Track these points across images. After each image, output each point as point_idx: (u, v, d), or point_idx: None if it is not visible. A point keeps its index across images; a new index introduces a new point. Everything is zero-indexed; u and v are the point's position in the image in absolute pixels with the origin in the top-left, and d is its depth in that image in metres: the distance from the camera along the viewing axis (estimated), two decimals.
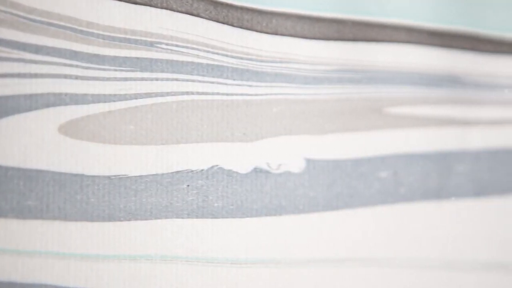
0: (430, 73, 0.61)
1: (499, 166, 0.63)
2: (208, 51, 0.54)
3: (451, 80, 0.61)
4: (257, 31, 0.56)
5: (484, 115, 0.62)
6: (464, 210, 0.62)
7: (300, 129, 0.57)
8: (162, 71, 0.52)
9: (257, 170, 0.56)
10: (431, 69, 0.61)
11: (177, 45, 0.53)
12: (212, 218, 0.54)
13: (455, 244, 0.61)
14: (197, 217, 0.53)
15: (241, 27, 0.55)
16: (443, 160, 0.61)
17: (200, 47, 0.53)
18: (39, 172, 0.48)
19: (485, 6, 0.62)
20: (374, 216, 0.59)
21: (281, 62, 0.56)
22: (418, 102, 0.61)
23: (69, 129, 0.49)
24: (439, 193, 0.61)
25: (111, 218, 0.50)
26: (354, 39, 0.59)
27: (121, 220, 0.50)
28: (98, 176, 0.50)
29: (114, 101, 0.50)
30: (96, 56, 0.50)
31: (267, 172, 0.56)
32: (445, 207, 0.61)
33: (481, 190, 0.62)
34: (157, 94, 0.52)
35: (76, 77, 0.49)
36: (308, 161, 0.57)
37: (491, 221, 0.62)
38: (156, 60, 0.52)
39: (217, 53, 0.54)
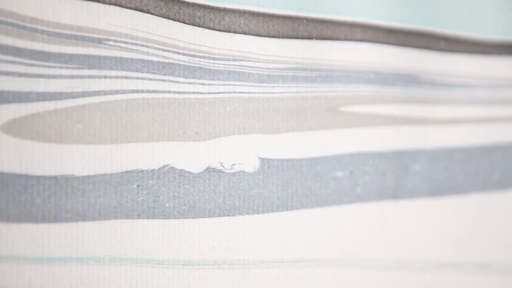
0: (385, 71, 0.59)
1: (455, 166, 0.61)
2: (158, 49, 0.52)
3: (407, 79, 0.60)
4: (209, 28, 0.54)
5: (440, 114, 0.61)
6: (419, 209, 0.60)
7: (254, 128, 0.55)
8: (111, 69, 0.50)
9: (210, 170, 0.54)
10: (386, 68, 0.59)
11: (126, 42, 0.51)
12: (163, 218, 0.52)
13: (410, 244, 0.60)
14: (147, 217, 0.51)
15: (192, 24, 0.53)
16: (399, 160, 0.60)
17: (150, 44, 0.52)
18: None
19: (440, 4, 0.61)
20: (330, 216, 0.58)
21: (234, 60, 0.55)
22: (374, 101, 0.59)
23: (12, 128, 0.47)
24: (395, 192, 0.59)
25: (57, 219, 0.48)
26: (309, 37, 0.57)
27: (67, 221, 0.48)
28: (44, 176, 0.48)
29: (60, 99, 0.48)
30: (41, 53, 0.48)
31: (220, 171, 0.54)
32: (401, 207, 0.60)
33: (436, 189, 0.61)
34: (105, 92, 0.50)
35: (19, 75, 0.47)
36: (263, 160, 0.56)
37: (446, 221, 0.61)
38: (105, 57, 0.50)
39: (168, 51, 0.52)
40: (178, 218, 0.52)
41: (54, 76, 0.48)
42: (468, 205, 0.62)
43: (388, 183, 0.59)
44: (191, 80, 0.53)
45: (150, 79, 0.51)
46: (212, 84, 0.54)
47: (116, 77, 0.50)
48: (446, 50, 0.61)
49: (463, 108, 0.62)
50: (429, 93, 0.61)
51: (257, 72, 0.55)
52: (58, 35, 0.48)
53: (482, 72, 0.62)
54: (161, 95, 0.52)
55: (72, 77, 0.49)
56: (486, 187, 0.62)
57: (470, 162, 0.62)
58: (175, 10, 0.52)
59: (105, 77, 0.50)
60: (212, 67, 0.54)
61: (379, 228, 0.59)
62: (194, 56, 0.53)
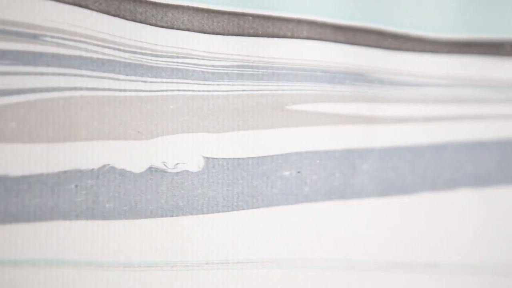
0: (333, 69, 0.57)
1: (404, 165, 0.59)
2: (98, 45, 0.49)
3: (355, 77, 0.58)
4: (151, 24, 0.51)
5: (389, 113, 0.59)
6: (368, 209, 0.58)
7: (198, 127, 0.53)
8: (48, 65, 0.48)
9: (152, 169, 0.51)
10: (334, 66, 0.57)
11: (63, 38, 0.48)
12: (103, 219, 0.49)
13: (359, 244, 0.58)
14: (86, 218, 0.49)
15: (134, 20, 0.51)
16: (347, 159, 0.58)
17: (89, 41, 0.49)
18: None
19: (389, 1, 0.59)
20: (276, 216, 0.56)
21: (177, 57, 0.52)
22: (321, 100, 0.57)
23: None
24: (343, 192, 0.58)
25: None
26: (255, 34, 0.55)
27: (0, 223, 0.46)
28: None
29: None
30: None
31: (163, 171, 0.52)
32: (349, 207, 0.58)
33: (385, 189, 0.59)
34: (42, 90, 0.47)
35: None
36: (207, 159, 0.53)
37: (395, 220, 0.59)
38: (41, 53, 0.47)
39: (108, 47, 0.50)
40: (118, 219, 0.50)
41: None
42: (418, 205, 0.60)
43: (336, 182, 0.57)
44: (133, 78, 0.51)
45: (89, 76, 0.49)
46: (154, 82, 0.52)
47: (53, 74, 0.48)
48: (395, 48, 0.59)
49: (412, 106, 0.60)
50: (377, 92, 0.59)
51: (202, 69, 0.53)
52: None
53: (432, 70, 0.60)
54: (100, 93, 0.49)
55: (5, 73, 0.46)
56: (435, 186, 0.60)
57: (419, 162, 0.60)
58: (115, 5, 0.50)
59: (42, 74, 0.47)
60: (155, 64, 0.52)
61: (327, 228, 0.57)
62: (135, 53, 0.51)
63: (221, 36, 0.54)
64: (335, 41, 0.57)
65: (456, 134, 0.61)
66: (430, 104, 0.60)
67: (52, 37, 0.48)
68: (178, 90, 0.52)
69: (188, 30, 0.53)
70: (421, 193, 0.60)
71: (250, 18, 0.55)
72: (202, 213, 0.53)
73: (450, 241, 0.60)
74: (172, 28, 0.52)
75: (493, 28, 0.61)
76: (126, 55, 0.50)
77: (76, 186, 0.48)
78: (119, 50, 0.50)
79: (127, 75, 0.50)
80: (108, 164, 0.50)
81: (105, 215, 0.49)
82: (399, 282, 0.59)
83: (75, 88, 0.48)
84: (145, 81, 0.51)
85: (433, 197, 0.60)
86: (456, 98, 0.61)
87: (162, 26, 0.52)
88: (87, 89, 0.49)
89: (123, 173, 0.50)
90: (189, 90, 0.53)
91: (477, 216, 0.61)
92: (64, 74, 0.48)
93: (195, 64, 0.53)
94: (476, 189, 0.61)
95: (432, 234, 0.60)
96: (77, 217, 0.48)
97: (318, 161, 0.57)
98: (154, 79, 0.51)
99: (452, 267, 0.60)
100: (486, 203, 0.61)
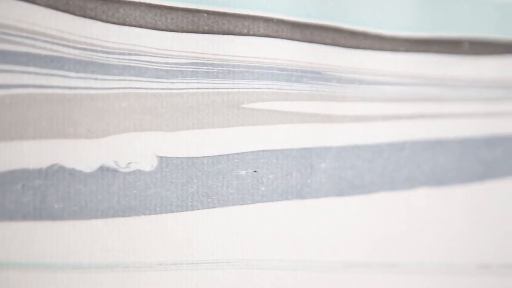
0: (290, 67, 0.56)
1: (362, 164, 0.58)
2: (46, 41, 0.48)
3: (313, 76, 0.57)
4: (102, 20, 0.50)
5: (347, 112, 0.58)
6: (325, 209, 0.57)
7: (151, 125, 0.51)
8: None
9: (103, 169, 0.50)
10: (291, 64, 0.56)
11: (10, 34, 0.46)
12: (51, 220, 0.48)
13: (316, 244, 0.56)
14: (34, 219, 0.47)
15: (84, 16, 0.49)
16: (305, 158, 0.56)
17: (36, 37, 0.47)
18: None
19: None
20: (232, 216, 0.54)
21: (129, 54, 0.51)
22: (278, 98, 0.56)
23: None
24: (300, 191, 0.56)
25: None
26: (210, 32, 0.53)
27: None
28: None
29: None
30: None
31: (114, 170, 0.50)
32: (306, 206, 0.57)
33: (343, 188, 0.57)
34: None
35: None
36: (161, 158, 0.52)
37: (353, 220, 0.58)
38: None
39: (57, 44, 0.48)
40: (67, 219, 0.48)
41: None
42: (376, 204, 0.58)
43: (293, 181, 0.56)
44: (83, 75, 0.49)
45: (37, 74, 0.47)
46: (105, 79, 0.50)
47: None
48: (353, 47, 0.58)
49: (371, 105, 0.58)
50: (335, 90, 0.57)
51: (155, 67, 0.51)
52: None
53: (390, 69, 0.59)
54: (49, 90, 0.48)
55: None
56: (394, 185, 0.59)
57: (378, 160, 0.58)
58: (64, 1, 0.48)
59: None
60: (106, 62, 0.50)
61: (284, 228, 0.56)
62: (85, 49, 0.49)
63: (175, 33, 0.52)
64: (292, 38, 0.56)
65: (415, 132, 0.59)
66: (388, 103, 0.59)
67: None
68: (131, 88, 0.51)
69: (140, 26, 0.51)
70: (379, 193, 0.58)
71: (205, 15, 0.53)
72: (155, 213, 0.51)
73: (408, 241, 0.59)
74: (124, 24, 0.50)
75: (452, 26, 0.60)
76: (76, 51, 0.49)
77: (22, 186, 0.46)
78: (68, 46, 0.48)
79: (77, 72, 0.49)
80: (57, 164, 0.48)
81: (54, 216, 0.48)
82: (356, 282, 0.57)
83: (22, 86, 0.47)
84: (95, 79, 0.49)
85: (391, 196, 0.59)
86: (414, 96, 0.59)
87: (113, 23, 0.50)
88: (35, 86, 0.47)
89: (72, 172, 0.48)
90: (142, 88, 0.51)
91: (435, 215, 0.60)
92: (10, 71, 0.46)
93: (148, 62, 0.51)
94: (435, 188, 0.60)
95: (390, 234, 0.59)
96: (24, 218, 0.47)
97: (275, 160, 0.55)
98: (105, 77, 0.50)
99: (410, 266, 0.59)
100: (444, 202, 0.60)
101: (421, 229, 0.59)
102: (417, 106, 0.59)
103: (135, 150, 0.51)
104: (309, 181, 0.56)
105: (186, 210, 0.52)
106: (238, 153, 0.54)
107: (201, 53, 0.53)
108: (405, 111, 0.59)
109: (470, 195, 0.60)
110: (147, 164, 0.51)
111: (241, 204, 0.54)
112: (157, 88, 0.51)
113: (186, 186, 0.52)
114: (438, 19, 0.59)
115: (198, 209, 0.53)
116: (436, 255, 0.59)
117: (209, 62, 0.53)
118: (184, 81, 0.53)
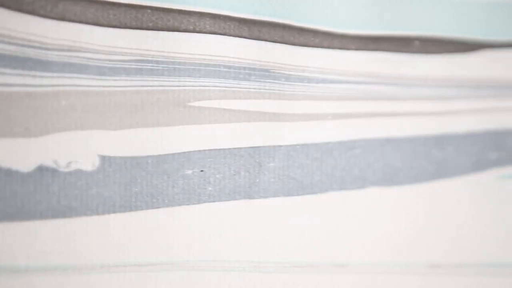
0: (238, 65, 0.54)
1: (311, 163, 0.56)
2: None
3: (261, 74, 0.55)
4: (40, 16, 0.47)
5: (296, 110, 0.56)
6: (274, 209, 0.55)
7: (93, 124, 0.49)
8: None
9: (42, 169, 0.47)
10: (239, 61, 0.54)
11: None
12: None
13: (265, 244, 0.54)
14: None
15: (20, 11, 0.46)
16: (253, 157, 0.54)
17: None
18: None
19: None
20: (178, 217, 0.52)
21: (70, 50, 0.48)
22: (226, 96, 0.53)
23: None
24: (248, 191, 0.54)
25: None
26: (155, 28, 0.51)
27: None
28: None
29: None
30: None
31: (54, 170, 0.48)
32: (255, 207, 0.54)
33: (292, 188, 0.55)
34: None
35: None
36: (103, 158, 0.49)
37: (302, 220, 0.56)
38: None
39: None
40: (2, 221, 0.46)
41: None
42: (325, 204, 0.56)
43: (241, 181, 0.54)
44: (20, 72, 0.47)
45: None
46: (44, 76, 0.47)
47: None
48: (302, 44, 0.56)
49: (320, 104, 0.56)
50: (284, 88, 0.55)
51: (97, 64, 0.49)
52: None
53: (340, 67, 0.57)
54: None
55: None
56: (344, 185, 0.57)
57: (327, 160, 0.56)
58: None
59: None
60: (44, 58, 0.47)
61: (232, 229, 0.53)
62: (22, 45, 0.47)
63: (118, 29, 0.50)
64: (240, 36, 0.54)
65: (365, 131, 0.57)
66: (338, 101, 0.57)
67: None
68: (71, 85, 0.48)
69: (81, 22, 0.49)
70: (329, 192, 0.56)
71: (149, 10, 0.51)
72: (97, 214, 0.49)
73: (358, 241, 0.57)
74: (63, 20, 0.48)
75: (402, 24, 0.58)
76: (12, 47, 0.46)
77: None
78: (3, 42, 0.46)
79: (13, 69, 0.46)
80: None
81: None
82: (306, 283, 0.55)
83: None
84: (33, 76, 0.47)
85: (341, 196, 0.57)
86: (365, 95, 0.57)
87: (52, 18, 0.48)
88: None
89: (9, 172, 0.46)
90: (83, 86, 0.49)
91: (386, 215, 0.58)
92: None
93: (89, 58, 0.49)
94: (386, 187, 0.58)
95: (340, 234, 0.57)
96: None
97: (222, 159, 0.53)
98: (43, 74, 0.47)
99: (360, 266, 0.57)
100: (395, 201, 0.58)
101: (371, 229, 0.57)
102: (368, 104, 0.57)
103: (76, 149, 0.48)
104: (257, 180, 0.54)
105: (129, 211, 0.50)
106: (184, 152, 0.52)
107: (146, 50, 0.51)
108: (355, 109, 0.57)
109: (421, 194, 0.58)
110: (89, 163, 0.49)
111: (187, 204, 0.52)
112: (99, 86, 0.49)
113: (129, 186, 0.50)
114: (388, 17, 0.58)
115: (142, 209, 0.51)
116: (387, 255, 0.58)
117: (154, 59, 0.51)
118: (128, 78, 0.50)
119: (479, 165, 0.58)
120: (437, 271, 0.58)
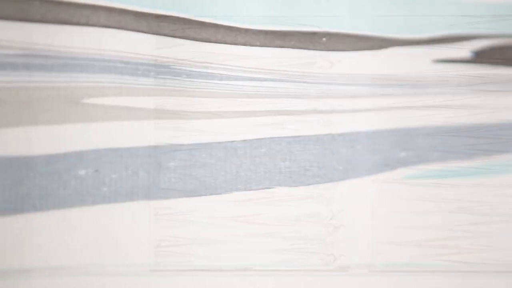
0: (136, 61, 0.50)
1: (215, 162, 0.52)
2: None
3: (161, 70, 0.51)
4: None
5: (198, 108, 0.52)
6: (174, 209, 0.51)
7: None
8: None
9: None
10: (137, 57, 0.50)
11: None
12: None
13: (167, 246, 0.51)
14: None
15: None
16: (152, 157, 0.51)
17: None
18: None
19: None
20: (70, 219, 0.48)
21: None
22: (122, 93, 0.50)
23: None
24: (148, 192, 0.50)
25: None
26: (43, 21, 0.47)
27: None
28: None
29: None
30: None
31: None
32: (154, 208, 0.51)
33: (194, 188, 0.52)
34: None
35: None
36: None
37: (204, 220, 0.52)
38: None
39: None
40: None
41: None
42: (230, 204, 0.53)
43: (140, 182, 0.50)
44: None
45: None
46: None
47: None
48: (204, 40, 0.52)
49: (224, 101, 0.53)
50: (185, 85, 0.52)
51: None
52: None
53: (244, 63, 0.53)
54: None
55: None
56: (249, 185, 0.54)
57: (232, 159, 0.53)
58: None
59: None
60: None
61: (131, 230, 0.50)
62: None
63: (2, 21, 0.46)
64: (138, 30, 0.50)
65: (271, 130, 0.54)
66: (242, 99, 0.53)
67: None
68: None
69: None
70: (233, 192, 0.53)
71: (37, 2, 0.47)
72: None
73: (265, 243, 0.54)
74: None
75: (307, 20, 0.55)
76: None
77: None
78: None
79: None
80: None
81: None
82: (237, 284, 0.52)
83: None
84: None
85: (246, 195, 0.53)
86: (270, 92, 0.54)
87: None
88: None
89: None
90: None
91: (295, 214, 0.54)
92: None
93: None
94: (293, 187, 0.55)
95: (243, 235, 0.53)
96: None
97: (118, 159, 0.49)
98: None
99: (264, 268, 0.54)
100: (302, 201, 0.55)
101: (278, 229, 0.54)
102: (273, 102, 0.54)
103: None
104: (157, 181, 0.51)
105: (15, 214, 0.46)
106: (76, 152, 0.48)
107: (33, 44, 0.47)
108: (260, 107, 0.54)
109: (328, 194, 0.55)
110: None
111: (80, 206, 0.48)
112: None
113: (15, 187, 0.46)
114: (293, 13, 0.54)
115: (30, 211, 0.47)
116: (293, 256, 0.54)
117: (43, 54, 0.47)
118: (14, 73, 0.46)
119: (387, 164, 0.55)
120: (344, 273, 0.55)
